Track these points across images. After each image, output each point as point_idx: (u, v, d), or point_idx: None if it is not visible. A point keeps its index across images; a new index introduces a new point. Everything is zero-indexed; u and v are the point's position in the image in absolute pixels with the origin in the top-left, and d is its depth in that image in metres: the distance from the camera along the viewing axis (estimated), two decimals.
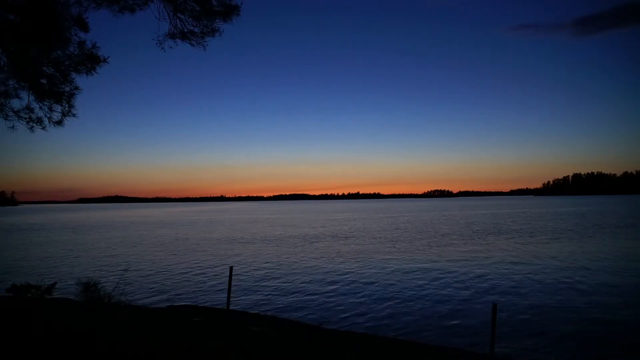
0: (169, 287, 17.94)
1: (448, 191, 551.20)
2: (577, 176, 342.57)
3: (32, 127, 8.12)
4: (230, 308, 12.09)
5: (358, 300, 15.20)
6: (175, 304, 14.65)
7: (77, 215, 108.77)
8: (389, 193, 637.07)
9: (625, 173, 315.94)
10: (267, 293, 16.59)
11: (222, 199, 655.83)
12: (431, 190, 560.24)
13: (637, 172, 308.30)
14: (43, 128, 8.20)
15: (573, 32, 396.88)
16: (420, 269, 21.13)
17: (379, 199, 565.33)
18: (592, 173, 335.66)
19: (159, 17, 7.50)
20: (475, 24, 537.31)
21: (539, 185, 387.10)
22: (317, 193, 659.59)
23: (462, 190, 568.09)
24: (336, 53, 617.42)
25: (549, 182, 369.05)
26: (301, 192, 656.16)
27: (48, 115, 8.14)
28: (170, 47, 7.76)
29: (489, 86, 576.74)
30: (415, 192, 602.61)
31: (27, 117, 8.05)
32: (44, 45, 7.24)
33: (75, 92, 8.14)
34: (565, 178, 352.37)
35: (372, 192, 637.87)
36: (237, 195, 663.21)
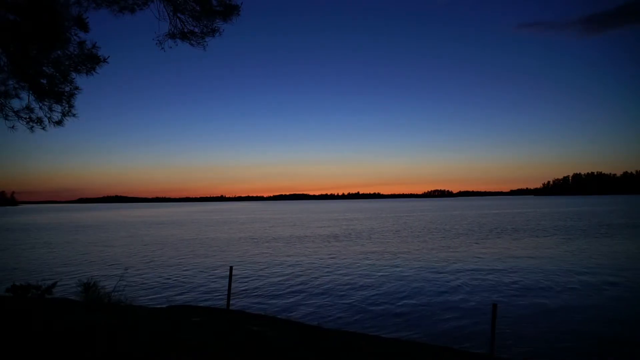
0: (169, 287, 17.93)
1: (448, 191, 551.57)
2: (577, 176, 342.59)
3: (32, 127, 8.12)
4: (230, 308, 12.09)
5: (358, 300, 15.20)
6: (175, 304, 14.64)
7: (77, 215, 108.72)
8: (389, 193, 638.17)
9: (625, 173, 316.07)
10: (267, 293, 16.59)
11: (222, 199, 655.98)
12: (431, 190, 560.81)
13: (637, 172, 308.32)
14: (43, 128, 8.20)
15: (580, 30, 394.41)
16: (421, 268, 21.13)
17: (379, 199, 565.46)
18: (592, 173, 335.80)
19: (159, 17, 7.51)
20: (481, 23, 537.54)
21: (539, 185, 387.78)
22: (317, 193, 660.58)
23: (462, 190, 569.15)
24: (337, 53, 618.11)
25: (549, 182, 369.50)
26: (301, 192, 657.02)
27: (48, 115, 8.14)
28: (170, 47, 7.76)
29: (489, 86, 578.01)
30: (415, 192, 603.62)
31: (27, 117, 8.05)
32: (44, 45, 7.23)
33: (75, 92, 8.14)
34: (565, 178, 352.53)
35: (372, 192, 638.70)
36: (237, 195, 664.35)
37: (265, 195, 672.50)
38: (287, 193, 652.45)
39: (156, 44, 7.64)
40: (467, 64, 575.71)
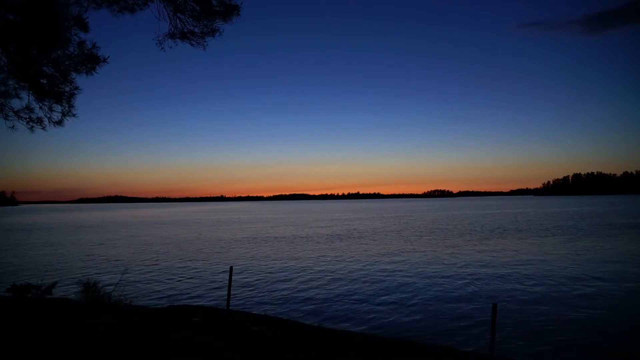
0: (169, 287, 17.93)
1: (448, 191, 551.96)
2: (577, 176, 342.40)
3: (32, 127, 8.12)
4: (230, 308, 12.09)
5: (358, 300, 15.19)
6: (175, 304, 14.65)
7: (77, 215, 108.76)
8: (389, 193, 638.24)
9: (625, 173, 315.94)
10: (268, 293, 16.59)
11: (222, 199, 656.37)
12: (431, 190, 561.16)
13: (637, 172, 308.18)
14: (43, 128, 8.21)
15: (581, 30, 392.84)
16: (422, 268, 21.12)
17: (379, 199, 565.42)
18: (592, 173, 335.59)
19: (159, 17, 7.51)
20: (481, 23, 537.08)
21: (539, 185, 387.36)
22: (317, 193, 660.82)
23: (462, 190, 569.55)
24: (336, 53, 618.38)
25: (549, 182, 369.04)
26: (301, 192, 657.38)
27: (48, 115, 8.15)
28: (170, 47, 7.77)
29: (489, 86, 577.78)
30: (415, 192, 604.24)
31: (27, 117, 8.05)
32: (44, 45, 7.23)
33: (75, 92, 8.15)
34: (565, 178, 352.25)
35: (372, 192, 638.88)
36: (237, 195, 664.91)
37: (265, 195, 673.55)
38: (287, 193, 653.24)
39: (156, 44, 7.65)
40: (467, 64, 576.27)
